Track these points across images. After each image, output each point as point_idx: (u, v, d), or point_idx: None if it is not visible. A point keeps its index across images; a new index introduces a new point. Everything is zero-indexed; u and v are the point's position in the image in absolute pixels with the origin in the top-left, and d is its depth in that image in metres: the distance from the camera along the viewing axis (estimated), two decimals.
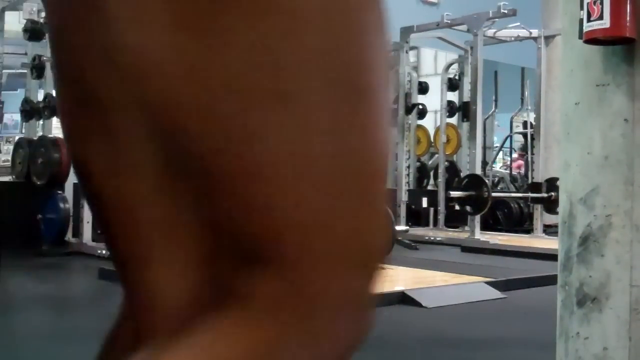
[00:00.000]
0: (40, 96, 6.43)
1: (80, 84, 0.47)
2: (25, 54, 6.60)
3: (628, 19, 1.66)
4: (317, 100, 0.43)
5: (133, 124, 0.45)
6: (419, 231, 7.92)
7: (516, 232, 8.43)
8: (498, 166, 11.71)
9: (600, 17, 1.66)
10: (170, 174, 0.45)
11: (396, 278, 4.78)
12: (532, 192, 8.05)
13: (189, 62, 0.41)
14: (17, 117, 7.88)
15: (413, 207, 8.41)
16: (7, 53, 6.96)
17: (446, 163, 8.72)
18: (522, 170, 10.78)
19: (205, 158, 0.42)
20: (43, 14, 6.23)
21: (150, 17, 0.41)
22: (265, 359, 0.44)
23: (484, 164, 8.82)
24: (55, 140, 5.95)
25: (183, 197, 0.45)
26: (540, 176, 8.02)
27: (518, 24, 7.93)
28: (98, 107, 0.46)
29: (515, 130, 11.00)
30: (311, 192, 0.43)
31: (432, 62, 13.94)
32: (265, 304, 0.43)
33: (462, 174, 7.99)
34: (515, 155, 11.45)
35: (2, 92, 7.20)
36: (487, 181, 7.41)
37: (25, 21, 6.36)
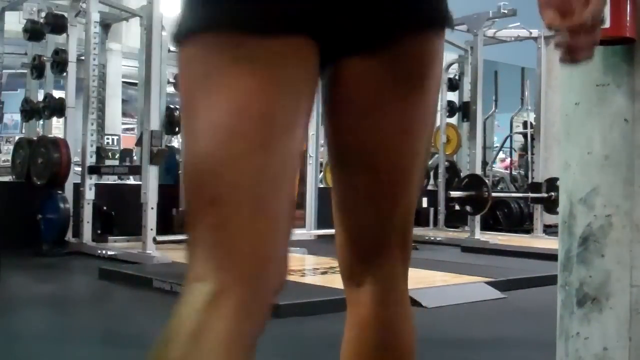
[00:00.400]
0: (40, 96, 6.42)
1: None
2: (25, 54, 6.60)
3: (628, 19, 1.66)
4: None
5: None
6: (419, 231, 7.92)
7: (516, 232, 8.43)
8: (498, 166, 11.70)
9: None
10: (373, 193, 1.01)
11: None
12: (532, 192, 8.05)
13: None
14: (17, 117, 7.89)
15: None
16: (7, 53, 6.96)
17: (446, 163, 8.72)
18: (510, 170, 10.77)
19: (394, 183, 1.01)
20: (43, 14, 6.23)
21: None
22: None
23: (484, 164, 8.82)
24: (55, 140, 5.95)
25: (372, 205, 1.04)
26: (540, 176, 8.02)
27: (518, 24, 7.93)
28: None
29: (515, 130, 11.00)
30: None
31: None
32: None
33: (462, 174, 8.00)
34: (502, 155, 11.48)
35: (2, 92, 7.20)
36: (487, 181, 7.40)
37: (25, 21, 6.36)
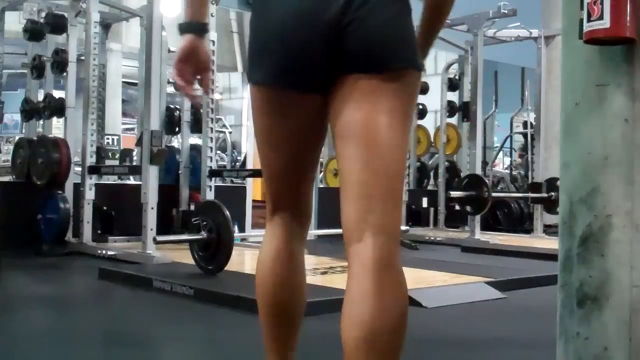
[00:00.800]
0: (40, 96, 6.42)
1: None
2: (25, 54, 6.60)
3: (628, 19, 1.65)
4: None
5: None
6: (419, 231, 7.92)
7: (516, 232, 8.43)
8: (499, 167, 11.72)
9: (601, 17, 1.66)
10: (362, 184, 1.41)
11: None
12: (532, 192, 8.05)
13: None
14: (17, 117, 7.89)
15: (413, 207, 8.41)
16: (7, 53, 6.96)
17: (446, 163, 8.72)
18: (510, 170, 10.78)
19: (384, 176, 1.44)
20: (43, 14, 6.23)
21: None
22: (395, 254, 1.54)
23: (484, 164, 8.82)
24: (55, 140, 5.95)
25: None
26: (540, 176, 8.02)
27: (518, 24, 7.93)
28: None
29: (515, 130, 11.01)
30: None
31: (432, 62, 13.93)
32: None
33: (462, 174, 8.00)
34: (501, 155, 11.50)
35: (2, 92, 7.20)
36: (487, 181, 7.40)
37: (25, 21, 6.35)
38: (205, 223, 4.44)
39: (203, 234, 4.42)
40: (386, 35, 1.43)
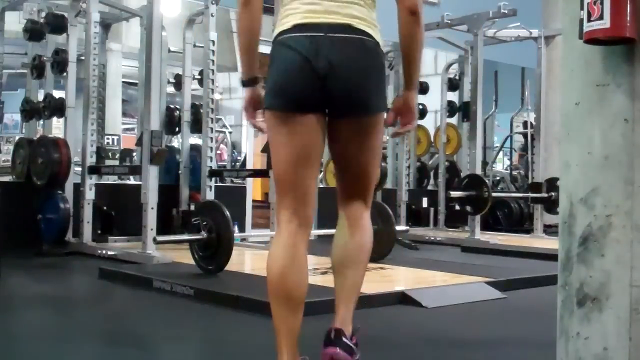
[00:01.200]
0: (40, 96, 6.42)
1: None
2: (25, 54, 6.59)
3: (628, 19, 1.66)
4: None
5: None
6: (419, 231, 7.92)
7: (516, 232, 8.42)
8: (499, 166, 11.72)
9: (601, 17, 1.66)
10: (346, 173, 2.26)
11: (396, 278, 4.78)
12: (532, 192, 8.04)
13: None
14: (17, 117, 7.89)
15: (413, 207, 8.41)
16: (7, 53, 6.95)
17: (446, 163, 8.72)
18: (510, 170, 10.79)
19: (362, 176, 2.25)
20: (43, 14, 6.23)
21: None
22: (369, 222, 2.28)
23: (484, 164, 8.82)
24: (55, 140, 5.95)
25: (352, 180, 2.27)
26: (540, 176, 8.02)
27: (518, 24, 7.92)
28: None
29: (515, 130, 11.01)
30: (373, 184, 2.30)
31: (432, 62, 13.94)
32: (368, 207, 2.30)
33: (462, 174, 7.99)
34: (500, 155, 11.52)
35: (2, 92, 7.20)
36: (487, 181, 7.40)
37: (25, 21, 6.35)
38: (205, 223, 4.44)
39: (203, 234, 4.42)
40: (356, 88, 2.09)
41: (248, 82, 2.25)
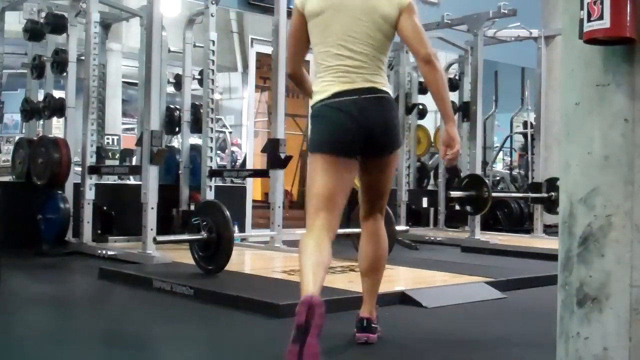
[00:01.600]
0: (40, 96, 6.42)
1: None
2: (25, 54, 6.59)
3: (628, 19, 1.66)
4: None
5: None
6: (419, 231, 7.92)
7: (516, 232, 8.42)
8: (499, 166, 11.72)
9: (600, 17, 1.66)
10: (371, 192, 2.94)
11: (396, 278, 4.78)
12: (532, 192, 8.04)
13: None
14: (17, 117, 7.88)
15: (413, 207, 8.41)
16: (7, 53, 6.95)
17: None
18: (510, 170, 10.79)
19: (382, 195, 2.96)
20: (43, 14, 6.23)
21: None
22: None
23: (484, 164, 8.82)
24: (55, 140, 5.95)
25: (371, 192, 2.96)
26: (540, 176, 8.02)
27: (518, 24, 7.92)
28: None
29: (515, 130, 11.00)
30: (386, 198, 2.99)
31: None
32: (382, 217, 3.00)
33: (462, 174, 7.99)
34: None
35: (2, 92, 7.20)
36: (487, 181, 7.40)
37: (25, 21, 6.35)
38: (205, 223, 4.43)
39: (203, 234, 4.42)
40: (389, 131, 2.80)
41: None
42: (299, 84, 3.06)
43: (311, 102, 2.85)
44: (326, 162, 2.73)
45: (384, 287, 4.15)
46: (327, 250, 2.62)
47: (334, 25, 2.76)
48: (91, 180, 5.93)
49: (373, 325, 2.98)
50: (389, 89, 2.83)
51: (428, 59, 2.73)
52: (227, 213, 4.39)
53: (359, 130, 2.71)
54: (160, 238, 4.88)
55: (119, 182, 7.37)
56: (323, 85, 2.78)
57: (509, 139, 11.00)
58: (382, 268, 3.02)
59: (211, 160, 6.27)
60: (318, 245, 2.61)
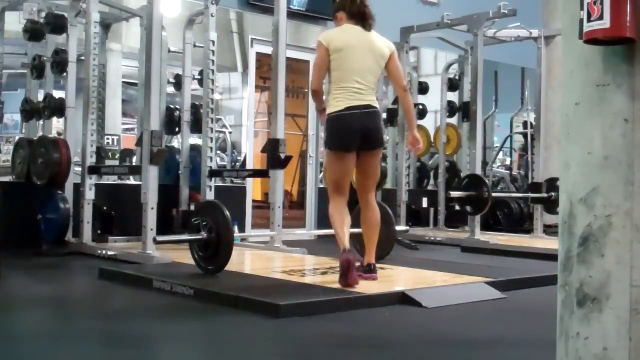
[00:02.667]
0: (40, 96, 6.42)
1: None
2: (25, 54, 6.59)
3: (628, 19, 1.65)
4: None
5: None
6: (419, 231, 7.92)
7: (516, 232, 8.43)
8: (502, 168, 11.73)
9: (600, 17, 1.66)
10: (364, 177, 4.33)
11: (396, 278, 4.78)
12: (532, 192, 8.05)
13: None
14: (17, 117, 7.88)
15: (413, 207, 8.41)
16: (7, 53, 6.95)
17: (446, 163, 8.72)
18: (510, 170, 10.81)
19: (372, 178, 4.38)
20: (43, 14, 6.23)
21: None
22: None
23: (484, 164, 8.82)
24: (55, 140, 5.95)
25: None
26: (540, 176, 8.02)
27: (518, 24, 7.93)
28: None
29: (515, 130, 11.00)
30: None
31: (432, 62, 13.92)
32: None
33: (462, 174, 7.99)
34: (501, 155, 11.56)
35: (2, 92, 7.20)
36: (487, 181, 7.40)
37: (25, 21, 6.35)
38: (205, 223, 4.43)
39: (203, 234, 4.41)
40: (377, 134, 4.17)
41: (321, 110, 4.29)
42: (318, 98, 4.25)
43: (328, 110, 4.14)
44: (341, 157, 4.13)
45: (384, 287, 4.18)
46: (348, 215, 4.19)
47: (350, 59, 4.09)
48: (91, 180, 5.93)
49: (375, 267, 4.25)
50: (377, 104, 4.21)
51: (405, 88, 4.41)
52: (227, 213, 4.39)
53: (361, 133, 4.07)
54: (160, 238, 4.88)
55: (119, 182, 7.37)
56: (338, 101, 4.10)
57: (509, 139, 11.00)
58: (378, 226, 4.31)
59: (211, 160, 6.27)
60: (342, 212, 4.13)
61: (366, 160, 4.18)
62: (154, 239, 4.84)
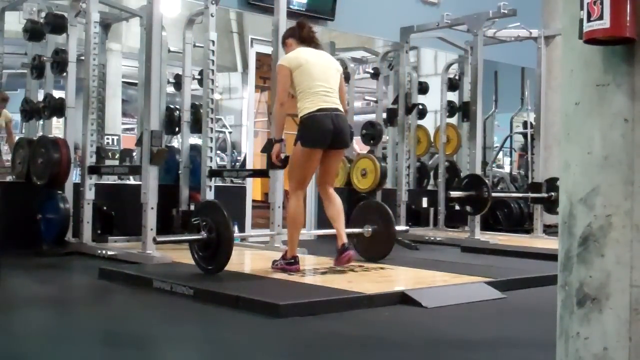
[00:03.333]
0: (40, 96, 6.42)
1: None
2: (25, 54, 6.59)
3: (628, 19, 1.66)
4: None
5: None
6: (419, 231, 7.92)
7: (516, 232, 8.42)
8: (506, 168, 11.74)
9: (600, 17, 1.66)
10: (325, 173, 4.81)
11: (396, 278, 4.78)
12: (532, 192, 8.04)
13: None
14: (17, 117, 7.88)
15: (413, 207, 8.41)
16: (7, 53, 6.95)
17: (446, 163, 8.72)
18: (510, 170, 10.81)
19: (334, 173, 4.95)
20: (43, 14, 6.23)
21: None
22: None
23: (484, 164, 8.82)
24: (55, 140, 5.95)
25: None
26: (540, 176, 8.02)
27: (518, 24, 7.92)
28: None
29: (515, 130, 11.00)
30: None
31: (432, 62, 13.93)
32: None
33: (462, 174, 7.99)
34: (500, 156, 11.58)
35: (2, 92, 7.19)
36: (487, 181, 7.40)
37: (25, 21, 6.35)
38: (205, 223, 4.43)
39: (203, 234, 4.41)
40: (346, 135, 4.66)
41: (278, 141, 4.73)
42: (281, 118, 4.68)
43: (302, 113, 4.54)
44: (314, 153, 4.55)
45: (384, 287, 4.18)
46: (303, 214, 5.25)
47: (312, 69, 4.60)
48: (91, 180, 5.93)
49: (348, 245, 4.68)
50: (342, 108, 4.68)
51: (347, 102, 4.99)
52: (227, 213, 4.38)
53: (332, 133, 4.53)
54: (160, 238, 4.87)
55: (119, 182, 7.38)
56: (310, 102, 4.54)
57: (509, 139, 11.00)
58: (342, 214, 4.73)
59: (211, 160, 6.27)
60: (303, 215, 4.89)
61: (331, 158, 4.65)
62: (154, 239, 4.83)
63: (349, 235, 4.96)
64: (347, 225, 4.97)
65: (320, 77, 4.59)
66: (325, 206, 4.79)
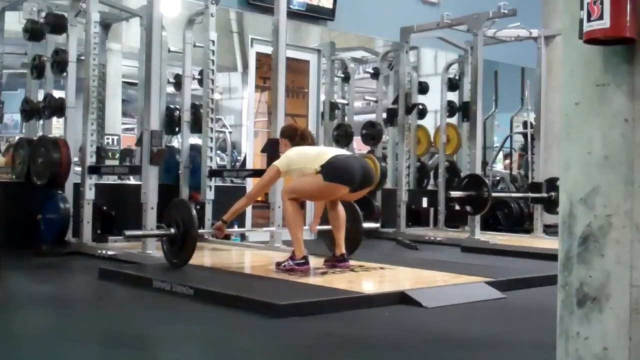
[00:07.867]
0: (40, 96, 6.41)
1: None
2: (25, 54, 6.59)
3: (628, 19, 1.66)
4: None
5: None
6: (419, 231, 7.92)
7: (516, 232, 8.42)
8: (499, 166, 11.72)
9: (600, 17, 1.66)
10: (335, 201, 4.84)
11: (396, 278, 4.78)
12: (532, 192, 8.04)
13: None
14: (17, 117, 7.88)
15: (413, 207, 8.41)
16: (7, 53, 6.95)
17: (446, 163, 8.72)
18: (510, 170, 10.80)
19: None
20: (43, 14, 6.23)
21: None
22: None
23: (484, 164, 8.82)
24: (55, 140, 5.95)
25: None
26: (540, 176, 8.02)
27: (518, 24, 7.92)
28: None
29: (515, 130, 11.00)
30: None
31: (432, 62, 13.94)
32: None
33: (462, 174, 7.99)
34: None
35: (2, 92, 7.20)
36: (487, 181, 7.40)
37: (25, 21, 6.35)
38: (174, 220, 4.73)
39: (171, 230, 4.72)
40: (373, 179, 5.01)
41: (224, 222, 4.79)
42: (251, 200, 5.03)
43: (314, 166, 4.56)
44: (340, 189, 4.61)
45: (384, 287, 4.18)
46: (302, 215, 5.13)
47: (310, 151, 4.73)
48: (91, 180, 5.92)
49: (346, 257, 4.76)
50: None
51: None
52: (194, 212, 4.73)
53: (361, 173, 4.74)
54: (129, 232, 4.97)
55: (119, 182, 7.38)
56: (316, 159, 4.61)
57: (509, 139, 10.99)
58: (344, 224, 4.79)
59: (211, 160, 6.27)
60: (301, 216, 4.84)
61: (351, 196, 4.75)
62: (123, 234, 4.97)
63: (320, 232, 5.45)
64: (320, 223, 5.24)
65: (317, 149, 4.84)
66: (330, 215, 4.79)
